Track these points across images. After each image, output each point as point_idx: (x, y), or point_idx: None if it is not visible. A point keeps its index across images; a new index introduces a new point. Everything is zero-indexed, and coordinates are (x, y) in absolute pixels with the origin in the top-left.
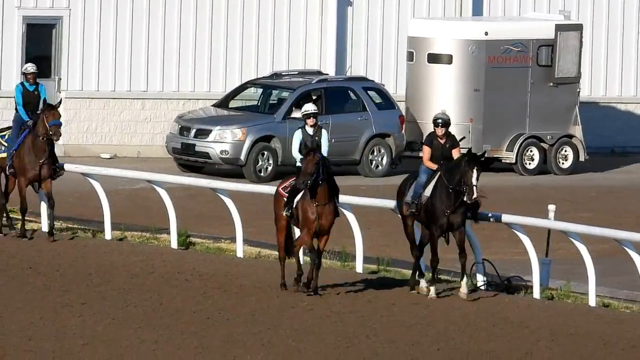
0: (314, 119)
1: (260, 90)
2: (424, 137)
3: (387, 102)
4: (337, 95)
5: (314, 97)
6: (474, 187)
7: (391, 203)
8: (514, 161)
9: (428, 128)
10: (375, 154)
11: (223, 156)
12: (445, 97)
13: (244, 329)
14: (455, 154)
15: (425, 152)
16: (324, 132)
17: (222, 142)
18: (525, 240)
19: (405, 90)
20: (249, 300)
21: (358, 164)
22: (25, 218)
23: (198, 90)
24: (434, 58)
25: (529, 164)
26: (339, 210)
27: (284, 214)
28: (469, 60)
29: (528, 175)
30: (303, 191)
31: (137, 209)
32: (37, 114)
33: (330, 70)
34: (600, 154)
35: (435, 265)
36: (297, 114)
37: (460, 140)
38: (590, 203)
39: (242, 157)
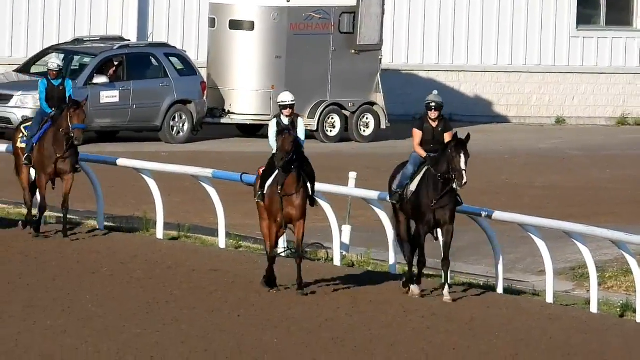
0: (291, 110)
1: (62, 56)
2: (413, 121)
3: (188, 69)
4: (139, 61)
5: (115, 63)
6: (464, 172)
7: (192, 169)
8: (315, 128)
9: (229, 95)
10: (176, 120)
11: None
12: (247, 64)
13: (44, 295)
14: (447, 138)
15: (416, 136)
16: (300, 120)
17: (23, 107)
18: (326, 207)
19: (207, 56)
20: (49, 266)
21: (159, 130)
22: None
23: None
24: (235, 24)
25: (331, 131)
26: (315, 199)
27: (255, 199)
28: (271, 27)
29: (329, 142)
30: (273, 177)
31: None
32: (62, 108)
33: (132, 36)
34: (401, 121)
35: (422, 266)
36: (98, 79)
37: (467, 137)
38: (391, 170)
39: None
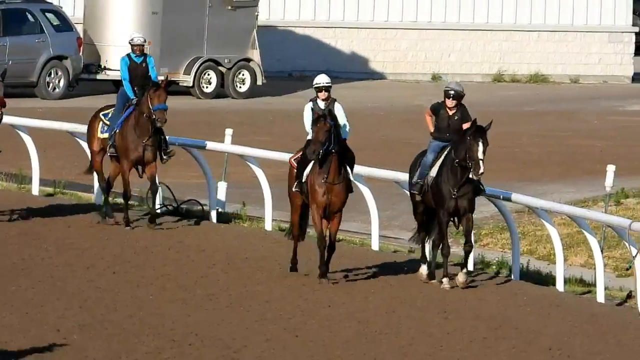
0: (327, 93)
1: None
2: (431, 104)
3: (65, 24)
4: (15, 17)
5: None
6: (480, 162)
7: (68, 125)
8: (191, 84)
9: (106, 50)
10: (52, 76)
11: None
12: (123, 20)
13: None
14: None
15: (427, 117)
16: (337, 105)
17: None
18: (203, 163)
19: (83, 12)
20: None
21: (35, 86)
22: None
23: None
24: None
25: (207, 87)
26: (352, 185)
27: (294, 190)
28: None
29: (205, 98)
30: (312, 165)
31: None
32: (143, 90)
33: None
34: (277, 78)
35: (447, 253)
36: None
37: (488, 125)
38: (268, 127)
39: None
